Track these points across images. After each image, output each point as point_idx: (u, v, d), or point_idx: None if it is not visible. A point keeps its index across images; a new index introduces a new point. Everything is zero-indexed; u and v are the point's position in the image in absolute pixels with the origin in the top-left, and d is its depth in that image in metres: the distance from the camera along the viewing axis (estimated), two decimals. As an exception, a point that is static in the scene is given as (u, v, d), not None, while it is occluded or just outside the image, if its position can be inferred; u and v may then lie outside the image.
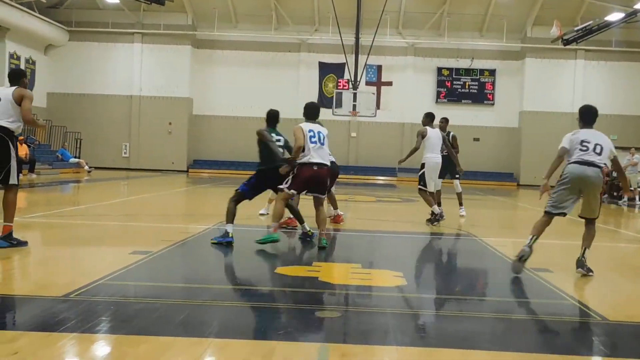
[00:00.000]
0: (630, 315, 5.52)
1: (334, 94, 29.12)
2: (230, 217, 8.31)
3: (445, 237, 10.36)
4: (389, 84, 33.15)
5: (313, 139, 8.29)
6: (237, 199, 8.51)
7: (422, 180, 11.40)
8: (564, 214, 7.04)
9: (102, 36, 32.83)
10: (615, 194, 22.89)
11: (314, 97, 33.04)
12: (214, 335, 4.36)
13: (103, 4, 32.01)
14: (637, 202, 21.20)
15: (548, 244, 9.20)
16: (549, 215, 7.07)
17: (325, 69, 33.21)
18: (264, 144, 8.65)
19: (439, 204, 11.82)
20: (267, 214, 11.30)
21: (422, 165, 11.47)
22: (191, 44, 33.32)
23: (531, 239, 6.91)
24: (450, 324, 5.09)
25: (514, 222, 15.43)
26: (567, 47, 29.59)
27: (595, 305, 5.65)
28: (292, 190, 8.32)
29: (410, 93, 33.15)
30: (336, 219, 11.11)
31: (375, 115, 28.85)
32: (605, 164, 7.01)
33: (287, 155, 8.73)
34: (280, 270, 6.82)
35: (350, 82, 28.93)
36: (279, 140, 8.81)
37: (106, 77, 33.09)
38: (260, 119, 10.00)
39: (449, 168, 12.87)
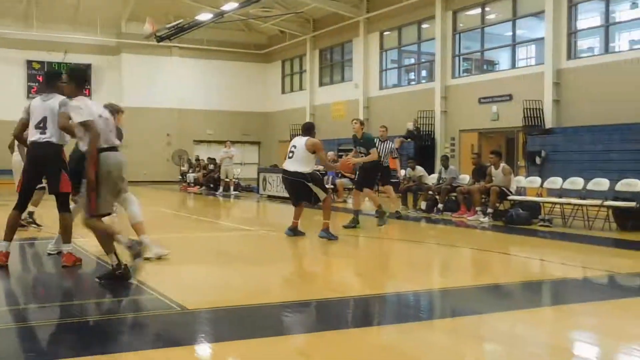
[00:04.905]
0: (210, 302, 5.57)
1: None
2: None
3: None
4: (-30, 77, 29.86)
5: None
6: None
7: None
8: None
9: None
10: (211, 185, 23.96)
11: None
12: None
13: None
14: (232, 192, 22.44)
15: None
16: None
17: None
18: None
19: None
20: None
21: None
22: None
23: None
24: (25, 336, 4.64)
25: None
26: (161, 43, 30.11)
27: (176, 296, 5.54)
28: None
29: (-3, 87, 30.23)
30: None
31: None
32: None
33: None
34: None
35: None
36: None
37: None
38: None
39: None
